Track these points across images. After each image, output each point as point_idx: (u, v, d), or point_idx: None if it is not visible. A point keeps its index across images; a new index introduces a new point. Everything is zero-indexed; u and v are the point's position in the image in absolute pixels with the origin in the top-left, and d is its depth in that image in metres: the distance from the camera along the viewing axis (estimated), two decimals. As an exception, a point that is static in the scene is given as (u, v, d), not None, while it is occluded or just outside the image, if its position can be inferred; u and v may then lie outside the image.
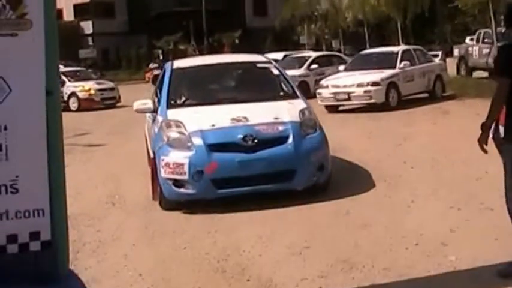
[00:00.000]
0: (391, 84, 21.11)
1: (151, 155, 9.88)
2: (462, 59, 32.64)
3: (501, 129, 6.71)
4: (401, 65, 21.93)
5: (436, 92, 23.21)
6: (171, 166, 8.93)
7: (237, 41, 57.49)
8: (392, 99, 21.01)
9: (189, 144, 9.03)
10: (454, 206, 8.23)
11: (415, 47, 26.88)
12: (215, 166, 8.82)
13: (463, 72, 32.13)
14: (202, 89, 11.09)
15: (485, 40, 29.70)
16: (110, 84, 31.23)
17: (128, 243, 7.78)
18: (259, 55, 13.74)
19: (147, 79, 47.39)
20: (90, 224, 8.74)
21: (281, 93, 10.69)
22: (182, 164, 8.86)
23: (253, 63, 11.82)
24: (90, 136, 18.83)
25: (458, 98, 22.63)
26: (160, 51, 58.70)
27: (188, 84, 11.04)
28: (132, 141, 14.66)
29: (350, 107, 21.26)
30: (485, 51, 28.85)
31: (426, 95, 22.98)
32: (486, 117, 5.89)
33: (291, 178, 9.04)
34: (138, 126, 13.30)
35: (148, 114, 11.13)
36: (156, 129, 9.73)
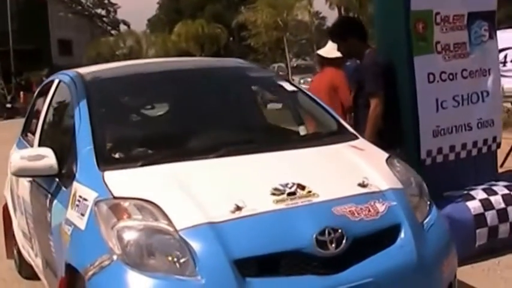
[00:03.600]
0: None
1: (56, 276, 4.30)
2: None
3: None
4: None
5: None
6: None
7: (44, 78, 55.88)
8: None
9: (185, 260, 3.42)
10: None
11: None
12: None
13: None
14: (168, 122, 5.31)
15: (280, 72, 30.49)
16: None
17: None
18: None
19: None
20: None
21: (324, 129, 5.10)
22: None
23: (242, 70, 5.84)
24: None
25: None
26: (-29, 91, 56.13)
27: (132, 113, 5.51)
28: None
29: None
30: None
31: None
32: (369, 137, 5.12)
33: None
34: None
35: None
36: (81, 221, 3.83)
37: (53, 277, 4.47)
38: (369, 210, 3.79)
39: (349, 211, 3.73)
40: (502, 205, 5.95)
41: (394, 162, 4.39)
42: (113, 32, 73.32)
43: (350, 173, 4.15)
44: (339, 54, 6.36)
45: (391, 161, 4.38)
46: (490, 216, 5.87)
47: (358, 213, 3.74)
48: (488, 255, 5.81)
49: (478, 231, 5.80)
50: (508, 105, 13.37)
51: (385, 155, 4.49)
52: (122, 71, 5.66)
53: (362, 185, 3.98)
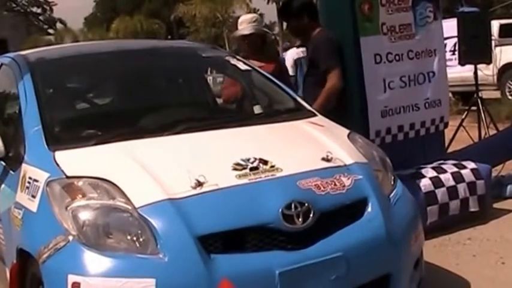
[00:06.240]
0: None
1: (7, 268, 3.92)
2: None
3: None
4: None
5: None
6: None
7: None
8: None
9: (145, 238, 3.22)
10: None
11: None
12: None
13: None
14: (121, 100, 5.11)
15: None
16: None
17: None
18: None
19: None
20: None
21: (281, 106, 4.88)
22: None
23: (193, 49, 5.64)
24: None
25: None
26: None
27: (81, 93, 5.26)
28: None
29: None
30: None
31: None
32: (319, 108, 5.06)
33: None
34: None
35: None
36: (33, 203, 3.59)
37: (1, 266, 4.21)
38: (335, 184, 3.66)
39: (315, 185, 3.58)
40: (452, 183, 5.94)
41: (356, 138, 4.29)
42: (49, 30, 72.12)
43: (313, 147, 4.01)
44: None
45: (352, 137, 4.28)
46: (441, 193, 5.85)
47: (324, 187, 3.59)
48: (439, 232, 5.79)
49: (429, 208, 5.77)
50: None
51: (346, 130, 4.38)
52: (67, 52, 5.42)
53: (326, 159, 3.83)
